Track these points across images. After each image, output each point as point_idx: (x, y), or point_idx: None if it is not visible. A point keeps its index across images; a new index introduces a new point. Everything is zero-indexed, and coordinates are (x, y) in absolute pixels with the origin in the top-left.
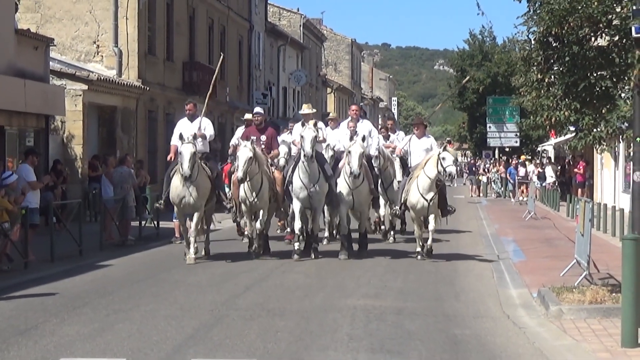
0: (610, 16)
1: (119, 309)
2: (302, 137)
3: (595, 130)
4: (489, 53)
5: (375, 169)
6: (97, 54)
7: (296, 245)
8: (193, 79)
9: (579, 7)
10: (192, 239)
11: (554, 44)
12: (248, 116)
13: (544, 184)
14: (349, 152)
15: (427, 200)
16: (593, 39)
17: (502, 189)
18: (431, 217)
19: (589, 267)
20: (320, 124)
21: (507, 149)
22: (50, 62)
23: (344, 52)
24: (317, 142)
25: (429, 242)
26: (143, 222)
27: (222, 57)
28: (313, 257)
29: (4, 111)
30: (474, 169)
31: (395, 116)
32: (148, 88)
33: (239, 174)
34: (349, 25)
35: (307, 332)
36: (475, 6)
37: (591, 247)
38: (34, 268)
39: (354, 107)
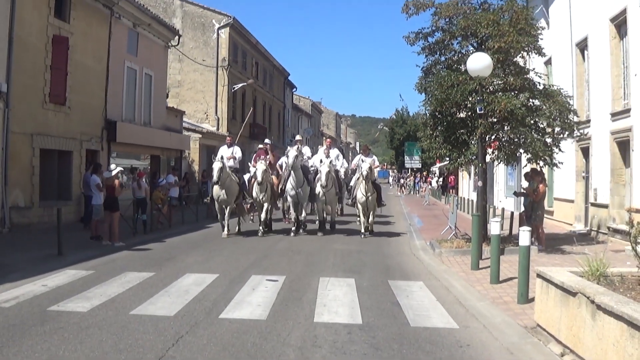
0: (466, 102)
1: (215, 249)
2: (287, 155)
3: (458, 160)
4: (406, 120)
5: (341, 180)
6: (206, 119)
7: (293, 227)
8: (254, 131)
9: (450, 97)
10: (225, 223)
11: (438, 116)
12: (261, 145)
13: (433, 186)
14: (320, 170)
15: (367, 197)
16: (458, 113)
17: (413, 189)
18: (370, 213)
19: (456, 229)
20: (306, 149)
21: (415, 169)
22: (183, 123)
23: (332, 118)
24: (298, 158)
25: (370, 226)
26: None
27: (250, 111)
28: (302, 232)
29: (160, 148)
30: (398, 179)
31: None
32: (231, 135)
33: (258, 178)
34: (335, 102)
35: (312, 262)
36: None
37: (457, 219)
38: (174, 227)
39: (328, 139)
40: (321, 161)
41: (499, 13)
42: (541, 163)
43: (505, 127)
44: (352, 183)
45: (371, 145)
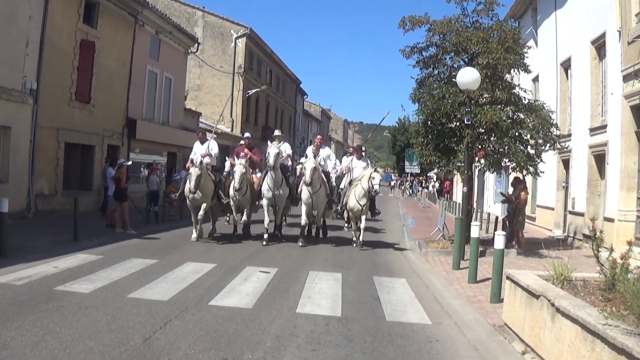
0: (456, 113)
1: (215, 241)
2: (268, 153)
3: (447, 167)
4: (407, 128)
5: (333, 181)
6: (222, 120)
7: (265, 235)
8: (266, 134)
9: (441, 108)
10: (198, 225)
11: (430, 125)
12: (242, 142)
13: (429, 190)
14: (305, 167)
15: (361, 205)
16: (448, 123)
17: (410, 192)
18: (363, 217)
19: (443, 231)
20: (286, 146)
21: (413, 173)
22: (200, 124)
23: (340, 124)
24: (279, 157)
25: (361, 236)
26: None
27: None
28: (265, 243)
29: (177, 145)
30: (398, 182)
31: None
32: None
33: (235, 185)
34: (344, 110)
35: (305, 256)
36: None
37: (445, 222)
38: (185, 219)
39: (319, 136)
40: (306, 156)
41: (489, 32)
42: (524, 172)
43: (492, 138)
44: (341, 185)
45: (375, 150)
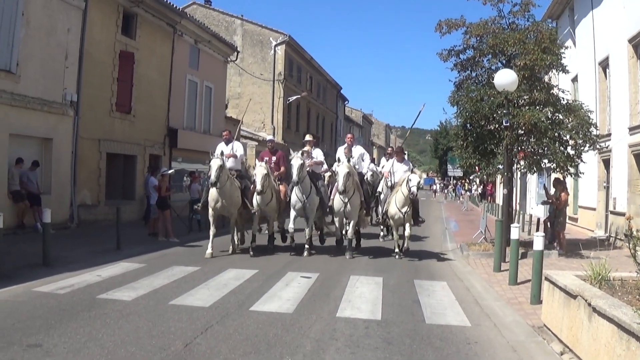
0: (494, 115)
1: (257, 248)
2: (291, 165)
3: (487, 169)
4: (449, 131)
5: (367, 185)
6: (263, 128)
7: (290, 239)
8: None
9: (480, 110)
10: (212, 237)
11: (469, 127)
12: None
13: (472, 193)
14: (337, 172)
15: (402, 213)
16: (487, 125)
17: (454, 195)
18: (407, 226)
19: (485, 233)
20: (317, 152)
21: (456, 176)
22: (241, 131)
23: (382, 129)
24: (304, 169)
25: (404, 244)
26: None
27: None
28: (306, 254)
29: None
30: (441, 186)
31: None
32: (287, 143)
33: (258, 187)
34: (386, 114)
35: (346, 262)
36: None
37: (487, 224)
38: (227, 227)
39: (349, 135)
40: (338, 160)
41: (525, 33)
42: (564, 173)
43: (531, 139)
44: (380, 189)
45: (418, 154)
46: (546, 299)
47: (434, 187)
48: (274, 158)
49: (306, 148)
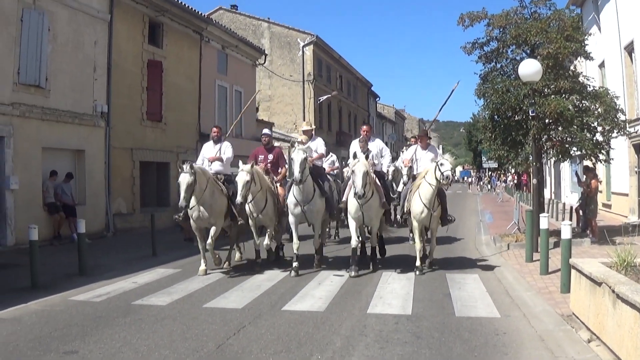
0: (521, 105)
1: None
2: (291, 159)
3: (516, 160)
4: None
5: (387, 182)
6: (295, 129)
7: (294, 264)
8: (340, 139)
9: (506, 101)
10: (203, 252)
11: (496, 119)
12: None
13: (507, 184)
14: (353, 171)
15: (428, 208)
16: (514, 116)
17: (489, 187)
18: (434, 229)
19: (518, 224)
20: (318, 142)
21: (491, 168)
22: (273, 133)
23: (415, 124)
24: (306, 164)
25: (430, 254)
26: None
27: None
28: (315, 267)
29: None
30: (476, 178)
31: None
32: None
33: (238, 198)
34: (419, 108)
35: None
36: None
37: (520, 215)
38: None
39: (364, 127)
40: (354, 156)
41: (547, 22)
42: (593, 160)
43: (559, 128)
44: (399, 188)
45: (453, 147)
46: (573, 287)
47: (470, 179)
48: (270, 156)
49: (302, 138)
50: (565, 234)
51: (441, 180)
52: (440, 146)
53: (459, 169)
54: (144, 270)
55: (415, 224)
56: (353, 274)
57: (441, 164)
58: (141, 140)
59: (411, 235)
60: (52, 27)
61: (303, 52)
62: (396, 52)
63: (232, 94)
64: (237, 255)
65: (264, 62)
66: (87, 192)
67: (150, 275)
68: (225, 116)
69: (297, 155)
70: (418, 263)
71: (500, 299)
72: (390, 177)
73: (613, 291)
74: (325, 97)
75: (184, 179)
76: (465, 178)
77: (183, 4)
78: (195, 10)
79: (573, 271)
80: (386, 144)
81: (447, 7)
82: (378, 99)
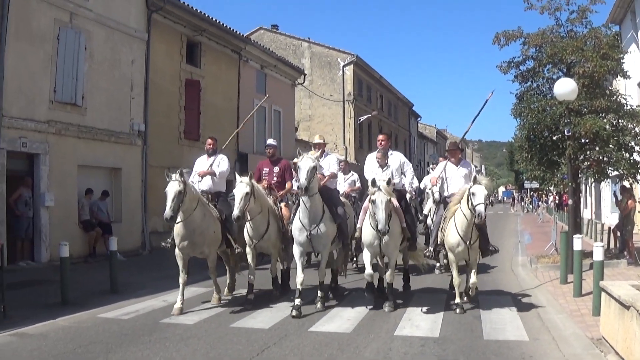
0: (557, 124)
1: None
2: (298, 167)
3: (552, 180)
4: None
5: (410, 203)
6: (335, 149)
7: (296, 301)
8: None
9: (542, 121)
10: (183, 287)
11: (532, 138)
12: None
13: (549, 204)
14: (373, 201)
15: (464, 241)
16: (551, 136)
17: (530, 207)
18: (473, 271)
19: (556, 245)
20: (331, 158)
21: (533, 188)
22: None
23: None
24: (314, 180)
25: (473, 292)
26: None
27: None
28: (318, 306)
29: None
30: (518, 198)
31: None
32: (359, 164)
33: (235, 212)
34: (462, 129)
35: (412, 279)
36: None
37: (557, 236)
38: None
39: (381, 136)
40: (373, 184)
41: (583, 40)
42: (630, 180)
43: (595, 147)
44: (425, 210)
45: (495, 167)
46: (603, 311)
47: (511, 199)
48: (275, 169)
49: (312, 153)
50: (597, 255)
51: (473, 219)
52: (483, 166)
53: (501, 189)
54: (175, 288)
55: (451, 256)
56: (387, 309)
57: (473, 194)
58: (178, 159)
59: (437, 264)
60: (88, 45)
61: (343, 71)
62: (438, 72)
63: (271, 113)
64: (225, 290)
65: (304, 81)
66: (123, 209)
67: None
68: (264, 136)
69: (305, 163)
70: (458, 300)
71: (531, 322)
72: (413, 195)
73: None
74: (365, 117)
75: (172, 187)
76: (507, 198)
77: (221, 23)
78: (233, 29)
79: (603, 294)
80: (427, 164)
81: (488, 27)
82: (419, 119)
